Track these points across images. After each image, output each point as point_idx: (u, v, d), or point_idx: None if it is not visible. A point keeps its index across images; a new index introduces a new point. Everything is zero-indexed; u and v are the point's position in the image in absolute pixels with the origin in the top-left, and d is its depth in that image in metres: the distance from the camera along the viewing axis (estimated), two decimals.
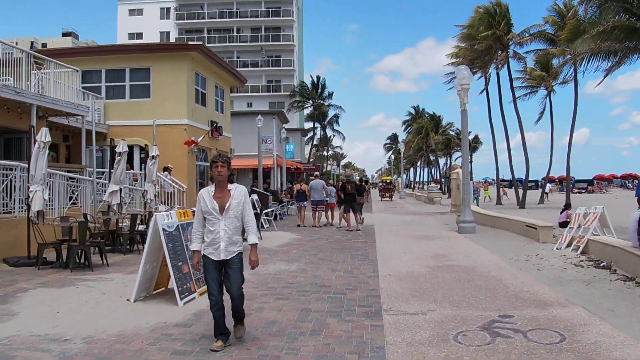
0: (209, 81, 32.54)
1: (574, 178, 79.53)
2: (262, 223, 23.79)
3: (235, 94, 76.58)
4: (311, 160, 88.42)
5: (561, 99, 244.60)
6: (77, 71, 22.84)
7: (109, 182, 18.36)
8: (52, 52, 28.60)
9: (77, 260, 13.72)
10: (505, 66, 45.90)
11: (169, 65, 28.87)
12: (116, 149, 18.17)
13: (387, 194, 63.25)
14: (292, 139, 65.82)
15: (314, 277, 12.25)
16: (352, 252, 16.52)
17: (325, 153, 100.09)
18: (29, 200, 14.06)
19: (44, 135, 14.08)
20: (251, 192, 26.50)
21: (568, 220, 24.16)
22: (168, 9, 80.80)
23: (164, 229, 9.72)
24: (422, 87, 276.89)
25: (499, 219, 23.57)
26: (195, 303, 9.67)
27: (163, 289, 10.54)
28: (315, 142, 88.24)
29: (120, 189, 18.09)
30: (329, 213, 26.95)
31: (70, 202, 18.70)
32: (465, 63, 48.75)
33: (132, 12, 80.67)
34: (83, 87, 28.41)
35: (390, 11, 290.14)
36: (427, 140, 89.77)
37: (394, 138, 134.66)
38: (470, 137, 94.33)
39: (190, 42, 32.94)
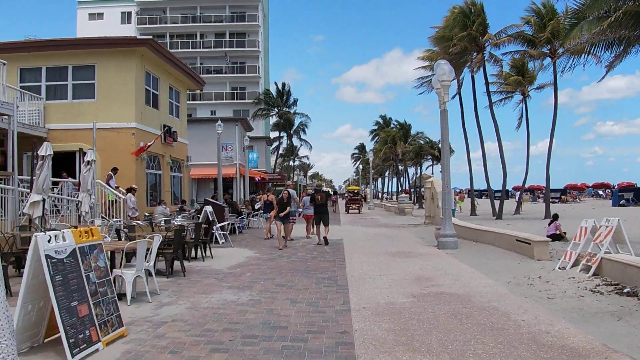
0: (162, 82, 29.73)
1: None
2: (216, 238, 21.07)
3: (198, 102, 74.10)
4: (277, 170, 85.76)
5: (531, 107, 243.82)
6: (4, 64, 19.90)
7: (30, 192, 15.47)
8: None
9: None
10: (481, 69, 43.63)
11: (116, 63, 26.04)
12: (38, 152, 15.32)
13: (354, 206, 56.64)
14: (256, 148, 63.22)
15: (267, 312, 9.53)
16: (317, 274, 13.88)
17: (291, 163, 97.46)
18: None
19: None
20: (204, 203, 23.80)
21: (558, 232, 21.91)
22: (129, 14, 77.62)
23: (49, 256, 6.93)
24: (389, 98, 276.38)
25: (483, 232, 21.03)
26: (98, 357, 6.94)
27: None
28: (281, 152, 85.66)
29: (44, 200, 15.18)
30: (309, 226, 24.51)
31: None
32: None
33: (92, 16, 77.16)
34: (22, 87, 25.81)
35: (357, 22, 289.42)
36: (395, 149, 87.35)
37: (361, 148, 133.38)
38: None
39: (138, 37, 29.65)
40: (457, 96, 47.87)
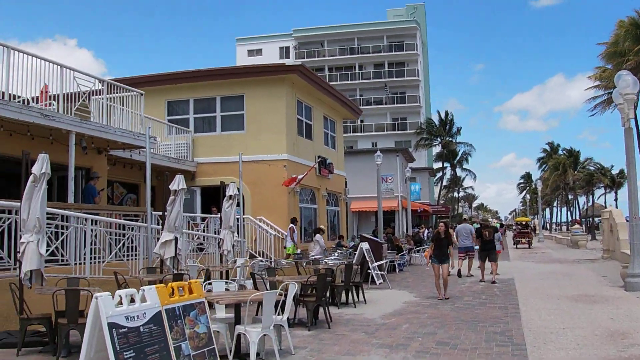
0: (315, 111, 28.19)
1: None
2: (372, 278, 18.89)
3: (359, 134, 72.95)
4: (441, 202, 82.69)
5: None
6: (142, 94, 18.93)
7: (163, 229, 13.97)
8: (134, 80, 25.09)
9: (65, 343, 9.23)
10: None
11: (265, 92, 24.71)
12: (170, 186, 13.83)
13: (523, 240, 48.32)
14: (419, 179, 60.85)
15: None
16: (487, 327, 11.34)
17: (456, 194, 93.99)
18: (19, 255, 9.81)
19: (42, 166, 9.81)
20: (360, 239, 21.74)
21: None
22: (287, 48, 78.15)
23: (115, 325, 4.97)
24: (552, 125, 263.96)
25: None
26: None
27: None
28: (445, 183, 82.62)
29: (176, 238, 13.63)
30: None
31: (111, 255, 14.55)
32: (610, 85, 42.43)
33: (250, 52, 78.47)
34: (170, 120, 25.12)
35: (516, 49, 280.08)
36: (564, 177, 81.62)
37: (527, 177, 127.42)
38: (614, 171, 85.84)
39: (287, 64, 28.25)
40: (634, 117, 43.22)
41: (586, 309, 13.11)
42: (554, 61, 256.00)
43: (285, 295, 9.45)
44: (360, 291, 15.24)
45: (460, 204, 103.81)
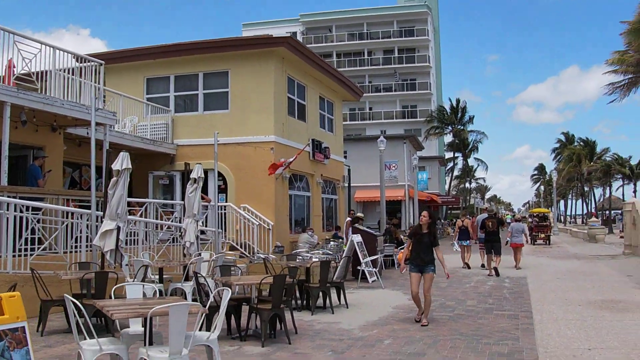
0: (309, 90, 25.75)
1: None
2: (363, 275, 16.58)
3: (368, 121, 70.82)
4: (452, 193, 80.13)
5: None
6: (101, 64, 16.62)
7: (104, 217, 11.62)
8: (110, 55, 22.86)
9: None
10: None
11: (252, 67, 22.29)
12: (112, 166, 11.49)
13: (542, 235, 39.88)
14: (428, 168, 58.49)
15: None
16: (492, 345, 8.96)
17: (467, 185, 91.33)
18: None
19: None
20: (352, 231, 19.42)
21: None
22: (295, 34, 75.61)
23: None
24: (567, 117, 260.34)
25: None
26: None
27: None
28: (456, 174, 79.96)
29: (119, 228, 11.29)
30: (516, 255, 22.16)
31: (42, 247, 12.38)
32: (630, 70, 39.71)
33: None
34: (149, 99, 22.94)
35: (530, 40, 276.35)
36: (580, 168, 78.59)
37: (541, 169, 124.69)
38: (634, 161, 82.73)
39: (276, 35, 25.45)
40: None
41: (615, 320, 10.69)
42: (568, 53, 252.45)
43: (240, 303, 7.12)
44: (342, 293, 12.86)
45: (472, 195, 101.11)
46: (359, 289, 15.47)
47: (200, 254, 14.29)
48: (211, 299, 7.93)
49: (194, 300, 11.21)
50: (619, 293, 14.35)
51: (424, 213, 11.14)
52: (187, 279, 13.03)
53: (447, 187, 77.79)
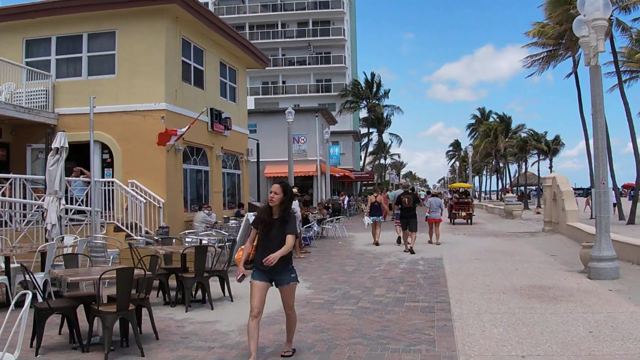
0: (208, 55, 23.50)
1: None
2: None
3: (281, 95, 68.88)
4: (368, 169, 79.14)
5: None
6: None
7: None
8: None
9: None
10: (607, 41, 35.29)
11: (141, 27, 19.94)
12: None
13: (463, 213, 34.06)
14: (343, 143, 57.09)
15: None
16: (400, 352, 7.26)
17: (383, 161, 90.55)
18: None
19: None
20: (248, 208, 17.55)
21: None
22: (206, 4, 72.60)
23: None
24: (481, 95, 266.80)
25: None
26: None
27: None
28: (371, 150, 78.96)
29: None
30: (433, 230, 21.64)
31: None
32: (550, 42, 39.09)
33: None
34: (28, 63, 20.38)
35: (446, 18, 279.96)
36: (496, 144, 78.57)
37: (456, 145, 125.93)
38: (550, 137, 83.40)
39: None
40: (574, 77, 40.08)
41: (548, 313, 9.11)
42: (484, 32, 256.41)
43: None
44: (226, 283, 10.81)
45: (388, 171, 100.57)
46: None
47: (63, 239, 12.16)
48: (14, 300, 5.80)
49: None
50: (546, 277, 12.90)
51: (275, 187, 6.99)
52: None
53: (362, 163, 76.73)
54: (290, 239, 6.83)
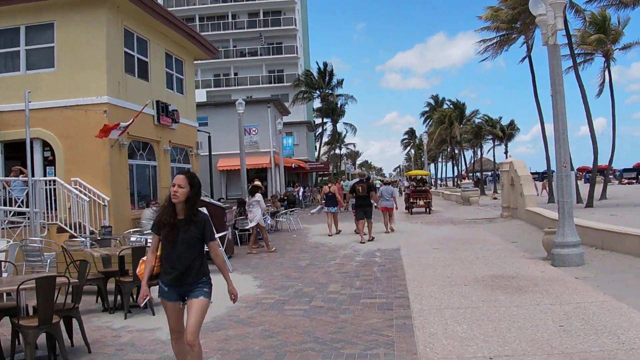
0: (153, 45, 22.63)
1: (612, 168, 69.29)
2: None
3: (233, 87, 68.07)
4: (324, 159, 78.65)
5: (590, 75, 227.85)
6: None
7: None
8: None
9: None
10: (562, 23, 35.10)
11: (81, 18, 18.98)
12: None
13: (420, 202, 32.07)
14: (297, 134, 56.59)
15: None
16: (357, 355, 6.78)
17: (338, 151, 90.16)
18: None
19: None
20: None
21: None
22: None
23: None
24: (434, 83, 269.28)
25: (619, 236, 13.43)
26: None
27: None
28: (326, 140, 78.45)
29: None
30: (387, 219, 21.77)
31: None
32: (504, 26, 39.04)
33: None
34: None
35: (398, 7, 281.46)
36: (451, 130, 78.53)
37: (411, 133, 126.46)
38: (504, 122, 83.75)
39: None
40: (528, 61, 40.13)
41: (513, 306, 8.68)
42: (435, 20, 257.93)
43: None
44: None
45: (343, 161, 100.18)
46: None
47: None
48: None
49: None
50: (508, 265, 12.55)
51: (178, 179, 5.60)
52: None
53: (317, 153, 76.21)
54: (213, 248, 5.72)
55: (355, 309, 9.11)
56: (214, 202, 17.33)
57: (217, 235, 14.04)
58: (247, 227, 19.01)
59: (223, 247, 14.68)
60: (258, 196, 17.63)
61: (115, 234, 15.37)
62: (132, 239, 13.84)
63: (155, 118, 22.03)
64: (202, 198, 17.25)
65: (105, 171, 18.53)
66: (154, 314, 9.18)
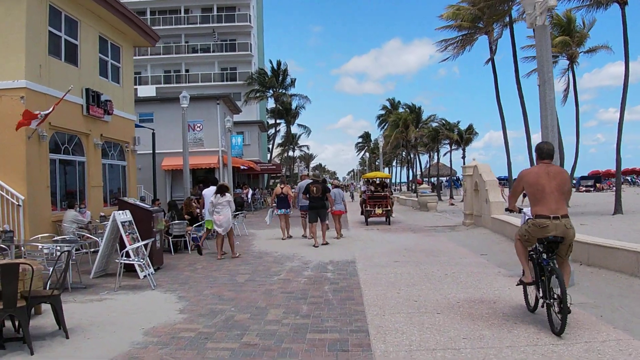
0: (84, 27, 20.19)
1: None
2: (123, 268, 11.83)
3: (184, 84, 65.52)
4: (276, 161, 76.59)
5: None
6: None
7: None
8: None
9: None
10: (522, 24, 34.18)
11: None
12: None
13: (378, 210, 26.58)
14: (248, 134, 54.32)
15: None
16: None
17: (291, 153, 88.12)
18: None
19: None
20: (118, 205, 14.67)
21: None
22: None
23: None
24: (389, 88, 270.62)
25: (609, 250, 11.58)
26: None
27: None
28: (280, 141, 76.49)
29: None
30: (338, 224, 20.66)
31: None
32: (466, 25, 37.59)
33: None
34: None
35: (354, 12, 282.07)
36: (407, 134, 76.87)
37: (366, 137, 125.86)
38: (462, 126, 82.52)
39: None
40: (491, 63, 38.66)
41: (504, 346, 6.65)
42: (391, 25, 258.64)
43: None
44: (58, 312, 7.74)
45: (297, 163, 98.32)
46: (116, 292, 10.71)
47: None
48: None
49: None
50: (485, 286, 10.58)
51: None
52: None
53: (269, 155, 74.08)
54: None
55: (299, 350, 6.89)
56: (140, 204, 14.91)
57: (142, 243, 11.89)
58: (180, 234, 17.03)
59: (149, 256, 12.40)
60: (229, 196, 16.13)
61: (29, 240, 13.08)
62: (45, 249, 11.54)
63: (85, 108, 19.60)
64: (126, 200, 15.07)
65: (21, 166, 16.04)
66: (32, 354, 6.80)
